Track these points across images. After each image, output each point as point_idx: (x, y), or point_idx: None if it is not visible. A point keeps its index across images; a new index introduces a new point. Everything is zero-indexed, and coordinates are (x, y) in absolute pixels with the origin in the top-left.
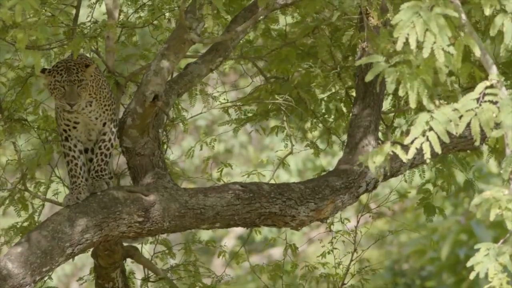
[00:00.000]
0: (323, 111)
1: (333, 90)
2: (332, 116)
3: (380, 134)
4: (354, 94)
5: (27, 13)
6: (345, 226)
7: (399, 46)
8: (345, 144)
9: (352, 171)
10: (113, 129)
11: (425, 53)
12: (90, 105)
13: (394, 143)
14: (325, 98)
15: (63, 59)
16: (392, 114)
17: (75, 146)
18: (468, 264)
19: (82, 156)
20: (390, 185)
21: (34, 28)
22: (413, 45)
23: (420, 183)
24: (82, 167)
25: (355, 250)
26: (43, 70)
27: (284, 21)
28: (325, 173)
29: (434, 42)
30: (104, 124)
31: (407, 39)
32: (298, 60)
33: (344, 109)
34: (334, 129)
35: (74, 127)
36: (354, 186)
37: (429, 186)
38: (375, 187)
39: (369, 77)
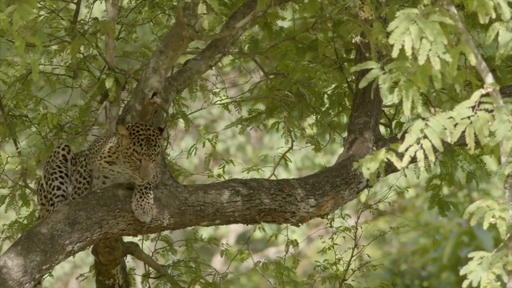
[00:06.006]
0: (327, 105)
1: (335, 84)
2: (335, 110)
3: (383, 129)
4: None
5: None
6: (346, 222)
7: (395, 53)
8: (345, 140)
9: (352, 167)
10: None
11: (421, 60)
12: None
13: (389, 149)
14: (329, 92)
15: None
16: (394, 108)
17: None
18: (461, 272)
19: None
20: (389, 183)
21: (32, 33)
22: (408, 52)
23: (418, 182)
24: None
25: (355, 245)
26: (126, 126)
27: (292, 15)
28: (325, 169)
29: (430, 50)
30: None
31: (403, 46)
32: (299, 55)
33: (347, 103)
34: (336, 125)
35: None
36: (355, 182)
37: (436, 182)
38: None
39: (363, 84)
